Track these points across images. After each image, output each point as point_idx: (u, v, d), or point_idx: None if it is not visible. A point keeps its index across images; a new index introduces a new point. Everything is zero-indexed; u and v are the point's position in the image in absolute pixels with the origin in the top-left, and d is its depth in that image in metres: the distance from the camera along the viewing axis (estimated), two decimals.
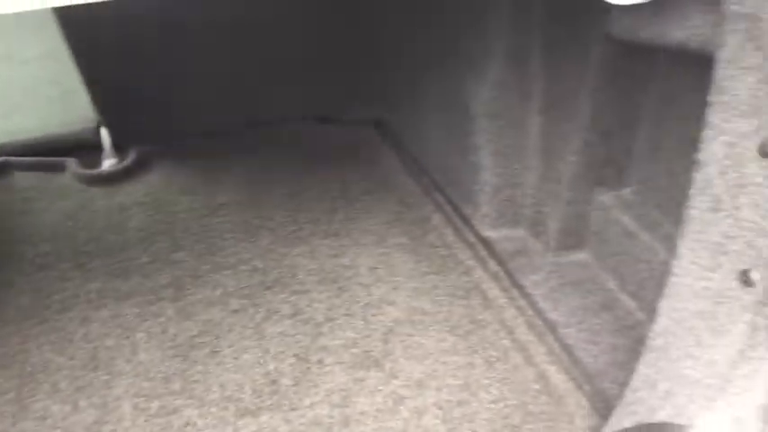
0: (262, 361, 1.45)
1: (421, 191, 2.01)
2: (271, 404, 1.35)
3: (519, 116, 1.65)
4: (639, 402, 1.03)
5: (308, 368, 1.43)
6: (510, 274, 1.65)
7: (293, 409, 1.34)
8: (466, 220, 1.82)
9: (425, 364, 1.43)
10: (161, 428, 1.30)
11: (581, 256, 1.68)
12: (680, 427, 0.92)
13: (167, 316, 1.58)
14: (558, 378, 1.39)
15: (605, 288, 1.58)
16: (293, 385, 1.39)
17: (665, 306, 1.06)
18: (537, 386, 1.38)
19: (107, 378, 1.42)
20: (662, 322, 1.06)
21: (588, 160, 1.56)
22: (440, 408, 1.33)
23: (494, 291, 1.63)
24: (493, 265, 1.69)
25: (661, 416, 0.97)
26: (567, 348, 1.43)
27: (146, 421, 1.32)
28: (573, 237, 1.68)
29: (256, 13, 2.08)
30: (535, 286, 1.60)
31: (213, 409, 1.34)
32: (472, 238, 1.78)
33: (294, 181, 2.10)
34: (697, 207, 1.00)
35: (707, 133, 0.98)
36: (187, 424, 1.31)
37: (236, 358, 1.46)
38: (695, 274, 1.01)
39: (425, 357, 1.45)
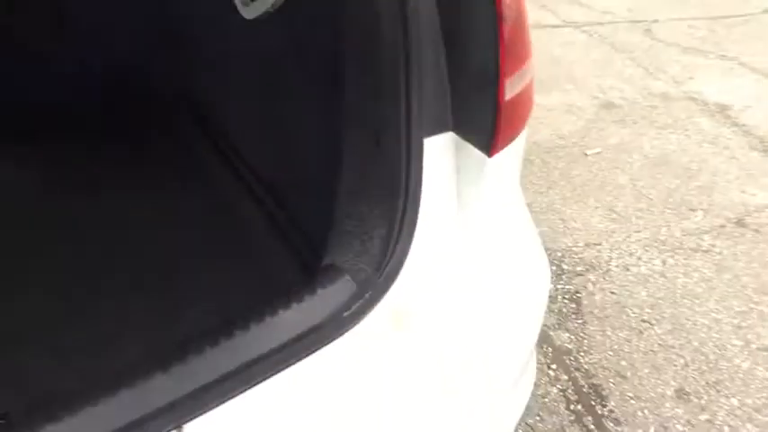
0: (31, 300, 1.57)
1: (209, 144, 2.15)
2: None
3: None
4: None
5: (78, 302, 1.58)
6: (271, 190, 1.83)
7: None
8: (239, 156, 1.98)
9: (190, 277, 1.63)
10: None
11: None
12: None
13: None
14: (281, 250, 1.61)
15: None
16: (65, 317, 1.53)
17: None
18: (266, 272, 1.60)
19: None
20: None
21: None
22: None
23: (248, 204, 1.82)
24: (259, 191, 1.86)
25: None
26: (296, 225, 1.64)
27: None
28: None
29: None
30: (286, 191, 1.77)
31: None
32: (243, 170, 1.94)
33: (92, 153, 2.19)
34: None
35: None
36: None
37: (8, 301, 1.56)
38: (354, 151, 1.21)
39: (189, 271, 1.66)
